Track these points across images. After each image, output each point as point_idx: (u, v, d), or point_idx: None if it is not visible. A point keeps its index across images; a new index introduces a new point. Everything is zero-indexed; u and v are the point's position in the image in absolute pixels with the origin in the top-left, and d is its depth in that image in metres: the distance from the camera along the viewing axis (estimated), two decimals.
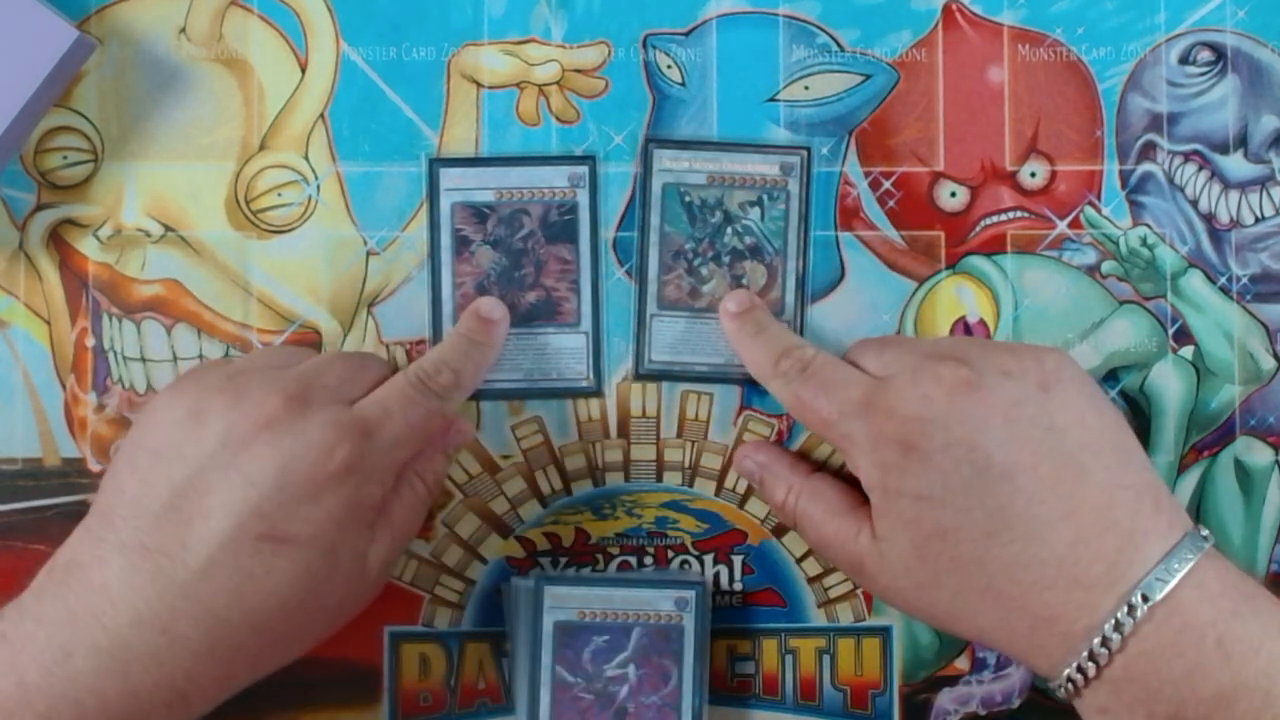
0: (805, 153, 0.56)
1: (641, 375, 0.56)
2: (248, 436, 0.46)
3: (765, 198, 0.56)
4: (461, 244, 0.56)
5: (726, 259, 0.56)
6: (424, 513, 0.52)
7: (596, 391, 0.56)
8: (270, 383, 0.48)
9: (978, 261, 0.57)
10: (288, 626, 0.47)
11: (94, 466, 0.56)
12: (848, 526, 0.51)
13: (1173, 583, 0.45)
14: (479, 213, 0.56)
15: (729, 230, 0.56)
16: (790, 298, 0.56)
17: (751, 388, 0.56)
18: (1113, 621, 0.45)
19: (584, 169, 0.56)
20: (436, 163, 0.56)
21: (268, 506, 0.46)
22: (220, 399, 0.47)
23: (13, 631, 0.45)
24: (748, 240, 0.56)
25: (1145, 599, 0.45)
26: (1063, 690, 0.47)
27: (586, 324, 0.56)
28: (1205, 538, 0.47)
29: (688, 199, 0.56)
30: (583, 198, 0.56)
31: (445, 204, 0.56)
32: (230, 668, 0.46)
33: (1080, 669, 0.46)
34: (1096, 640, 0.45)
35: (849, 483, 0.53)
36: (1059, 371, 0.49)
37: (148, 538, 0.45)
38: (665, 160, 0.56)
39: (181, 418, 0.47)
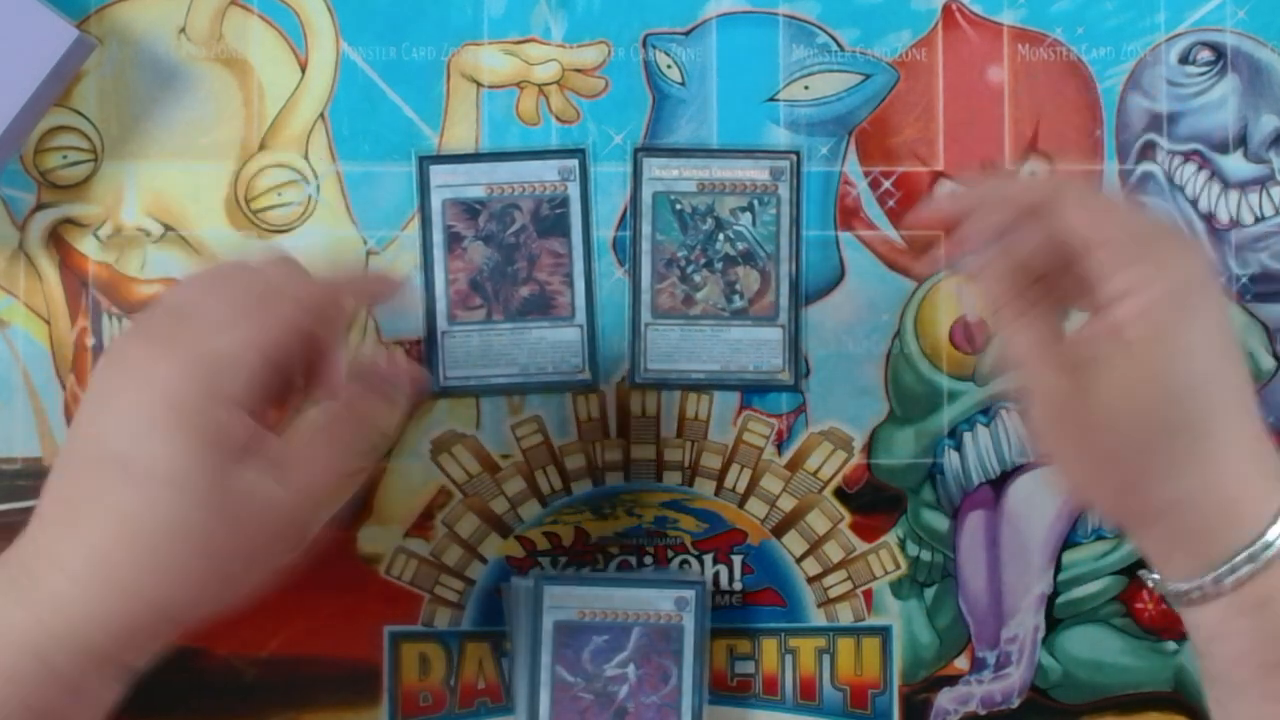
0: (795, 156, 0.56)
1: (638, 384, 0.56)
2: (114, 377, 0.44)
3: (756, 203, 0.56)
4: (453, 240, 0.56)
5: (719, 265, 0.56)
6: (341, 454, 0.46)
7: (593, 385, 0.56)
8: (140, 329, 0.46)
9: None
10: (170, 563, 0.43)
11: None
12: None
13: None
14: (470, 209, 0.56)
15: (721, 237, 0.56)
16: (785, 301, 0.56)
17: (750, 389, 0.56)
18: None
19: (574, 162, 0.56)
20: (426, 160, 0.56)
21: (113, 440, 0.43)
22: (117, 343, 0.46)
23: None
24: (740, 246, 0.56)
25: None
26: (1246, 558, 0.44)
27: (581, 317, 0.56)
28: None
29: (678, 207, 0.56)
30: (573, 191, 0.56)
31: (436, 201, 0.56)
32: (127, 605, 0.43)
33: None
34: None
35: None
36: None
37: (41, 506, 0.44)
38: (655, 169, 0.56)
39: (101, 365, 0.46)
